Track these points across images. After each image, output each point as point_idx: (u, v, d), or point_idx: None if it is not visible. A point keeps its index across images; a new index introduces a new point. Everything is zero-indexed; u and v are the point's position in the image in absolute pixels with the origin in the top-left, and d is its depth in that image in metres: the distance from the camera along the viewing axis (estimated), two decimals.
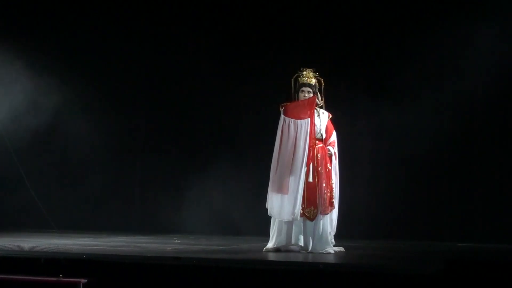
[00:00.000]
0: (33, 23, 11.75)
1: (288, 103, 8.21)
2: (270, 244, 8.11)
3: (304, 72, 8.28)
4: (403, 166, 10.67)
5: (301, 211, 8.00)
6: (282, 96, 8.51)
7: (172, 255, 7.10)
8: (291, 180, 7.97)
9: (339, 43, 10.96)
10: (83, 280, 6.36)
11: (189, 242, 9.30)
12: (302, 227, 8.04)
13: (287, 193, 7.94)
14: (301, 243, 8.02)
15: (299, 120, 8.04)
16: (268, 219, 8.26)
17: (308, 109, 8.07)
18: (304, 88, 8.23)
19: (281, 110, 8.16)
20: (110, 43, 11.59)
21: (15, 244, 8.36)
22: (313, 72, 8.30)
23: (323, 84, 8.30)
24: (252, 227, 10.47)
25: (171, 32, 11.56)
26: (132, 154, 11.82)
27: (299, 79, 8.29)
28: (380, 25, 10.84)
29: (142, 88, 11.81)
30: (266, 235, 8.31)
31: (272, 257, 7.58)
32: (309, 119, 8.03)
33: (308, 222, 8.05)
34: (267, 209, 8.09)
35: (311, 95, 8.19)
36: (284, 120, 8.08)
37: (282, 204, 7.97)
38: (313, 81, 8.26)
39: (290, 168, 7.97)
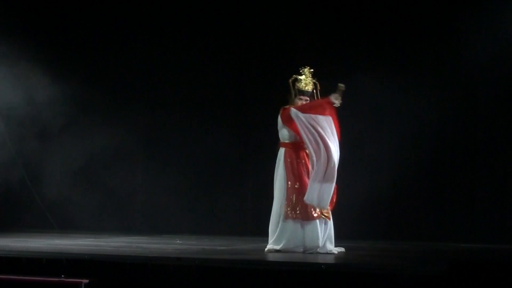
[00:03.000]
0: (41, 24, 11.76)
1: (294, 105, 8.09)
2: (277, 246, 8.05)
3: (303, 77, 8.18)
4: (406, 166, 10.64)
5: (319, 213, 7.97)
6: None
7: (174, 256, 7.09)
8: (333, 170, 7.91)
9: (339, 42, 10.92)
10: (85, 281, 6.36)
11: (191, 243, 9.28)
12: (319, 229, 8.00)
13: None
14: (315, 244, 7.96)
15: (321, 116, 7.93)
16: (268, 219, 8.25)
17: (328, 108, 7.96)
18: (302, 97, 8.15)
19: (290, 112, 7.97)
20: (115, 48, 11.61)
21: (17, 244, 8.35)
22: (311, 75, 8.20)
23: (319, 88, 8.21)
24: (254, 227, 10.46)
25: (172, 37, 11.58)
26: (134, 153, 11.81)
27: (297, 83, 8.18)
28: (379, 24, 10.81)
29: (144, 90, 11.79)
30: (267, 235, 8.28)
31: (274, 257, 7.55)
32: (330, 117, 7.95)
33: (327, 222, 8.02)
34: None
35: (308, 101, 8.12)
36: (305, 117, 7.90)
37: (321, 193, 7.88)
38: (311, 87, 8.18)
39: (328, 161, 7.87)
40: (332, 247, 8.04)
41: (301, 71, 8.21)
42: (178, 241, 9.47)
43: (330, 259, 7.48)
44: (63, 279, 6.40)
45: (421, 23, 10.70)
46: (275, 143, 8.32)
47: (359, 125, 10.71)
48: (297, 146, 8.12)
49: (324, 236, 8.01)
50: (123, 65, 11.64)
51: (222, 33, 11.39)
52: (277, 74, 10.21)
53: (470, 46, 10.36)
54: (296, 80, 8.18)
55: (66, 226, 11.47)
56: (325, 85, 8.26)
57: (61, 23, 11.86)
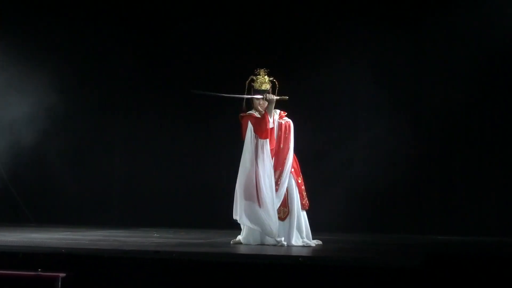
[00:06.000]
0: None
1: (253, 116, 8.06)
2: (240, 238, 8.16)
3: (259, 77, 8.11)
4: (383, 159, 10.69)
5: None
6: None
7: (152, 249, 7.08)
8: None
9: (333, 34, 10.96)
10: (62, 274, 6.33)
11: (168, 236, 9.29)
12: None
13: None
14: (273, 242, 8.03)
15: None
16: None
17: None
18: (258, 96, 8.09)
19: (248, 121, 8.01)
20: (107, 49, 11.59)
21: None
22: (267, 75, 8.12)
23: (278, 86, 8.11)
24: (231, 220, 10.48)
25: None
26: (111, 146, 11.79)
27: (253, 83, 8.13)
28: (361, 23, 10.82)
29: (129, 87, 11.78)
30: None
31: (251, 251, 7.57)
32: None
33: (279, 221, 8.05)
34: None
35: (266, 103, 8.02)
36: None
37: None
38: (268, 86, 8.10)
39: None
40: (307, 240, 8.09)
41: (256, 72, 8.15)
42: (155, 234, 9.47)
43: (307, 252, 7.51)
44: (40, 273, 6.36)
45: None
46: None
47: (338, 121, 10.75)
48: None
49: (286, 234, 8.03)
50: (108, 60, 11.62)
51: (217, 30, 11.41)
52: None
53: (464, 37, 10.41)
54: (252, 80, 8.13)
55: (42, 220, 11.42)
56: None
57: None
